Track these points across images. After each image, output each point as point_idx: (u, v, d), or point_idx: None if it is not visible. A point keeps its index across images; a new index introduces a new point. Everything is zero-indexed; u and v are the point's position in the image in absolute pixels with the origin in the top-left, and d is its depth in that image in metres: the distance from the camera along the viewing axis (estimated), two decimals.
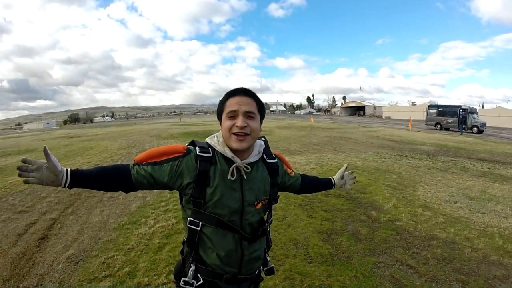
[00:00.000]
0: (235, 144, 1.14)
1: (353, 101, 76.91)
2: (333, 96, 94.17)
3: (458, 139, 15.99)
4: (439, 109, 26.32)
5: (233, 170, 1.15)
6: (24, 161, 1.00)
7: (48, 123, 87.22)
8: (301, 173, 1.59)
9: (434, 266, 3.06)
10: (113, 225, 4.11)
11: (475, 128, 22.87)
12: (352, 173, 1.74)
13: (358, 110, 69.06)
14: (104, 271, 2.92)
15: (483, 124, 23.07)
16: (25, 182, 1.01)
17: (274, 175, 1.29)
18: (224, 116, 1.18)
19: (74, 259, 3.19)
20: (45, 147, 0.99)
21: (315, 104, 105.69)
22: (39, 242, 3.65)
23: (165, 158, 1.15)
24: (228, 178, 1.14)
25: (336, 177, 1.66)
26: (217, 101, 1.27)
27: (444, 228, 4.01)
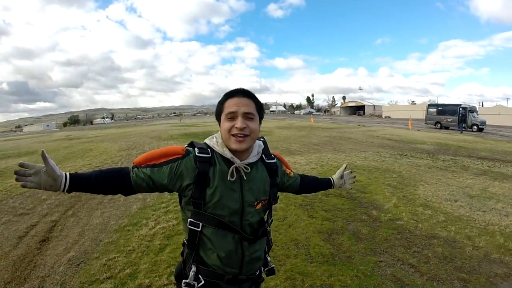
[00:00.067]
0: (234, 145, 1.13)
1: (352, 101, 76.92)
2: (333, 96, 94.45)
3: (458, 138, 15.99)
4: (439, 108, 26.32)
5: (232, 170, 1.15)
6: (21, 165, 0.99)
7: (48, 125, 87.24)
8: (301, 173, 1.59)
9: (435, 264, 3.06)
10: (113, 226, 4.11)
11: (475, 127, 22.84)
12: (351, 172, 1.74)
13: (357, 109, 69.05)
14: (105, 273, 2.92)
15: (483, 123, 23.05)
16: (23, 186, 1.00)
17: (273, 176, 1.29)
18: (223, 117, 1.17)
19: (75, 261, 3.19)
20: (43, 151, 0.98)
21: (314, 104, 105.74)
22: (40, 245, 3.65)
23: (164, 160, 1.14)
24: (228, 179, 1.14)
25: (335, 177, 1.65)
26: (216, 101, 1.27)
27: (445, 226, 4.01)
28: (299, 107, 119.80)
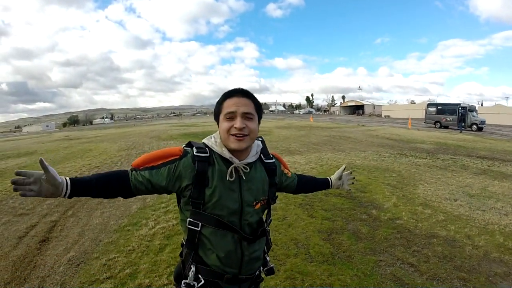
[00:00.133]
0: (233, 144, 1.13)
1: (352, 100, 76.96)
2: (332, 96, 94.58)
3: (457, 137, 16.01)
4: (438, 107, 26.34)
5: (231, 170, 1.14)
6: (18, 173, 0.95)
7: (47, 126, 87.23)
8: (300, 172, 1.59)
9: (435, 264, 3.07)
10: (113, 227, 4.11)
11: (475, 126, 22.87)
12: (351, 173, 1.73)
13: (357, 109, 69.09)
14: (105, 273, 2.92)
15: (483, 122, 23.08)
16: (22, 196, 0.96)
17: (272, 175, 1.29)
18: (221, 117, 1.17)
19: (75, 261, 3.19)
20: (41, 160, 0.94)
21: (314, 104, 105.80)
22: (40, 245, 3.65)
23: (161, 162, 1.14)
24: (227, 179, 1.14)
25: (333, 177, 1.64)
26: (216, 101, 1.27)
27: (444, 226, 4.01)
28: (298, 106, 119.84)
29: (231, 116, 1.14)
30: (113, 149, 12.27)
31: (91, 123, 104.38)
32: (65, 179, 1.02)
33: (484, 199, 5.14)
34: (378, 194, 5.36)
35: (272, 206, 1.33)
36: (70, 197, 1.03)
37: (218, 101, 1.21)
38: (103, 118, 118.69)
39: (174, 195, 1.22)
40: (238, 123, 1.11)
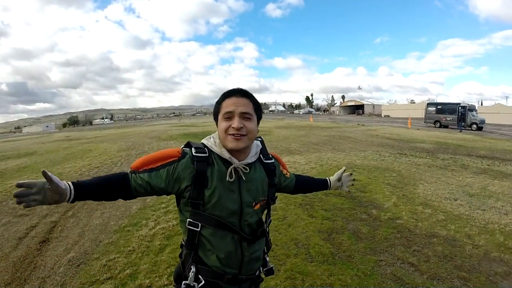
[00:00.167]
0: (231, 144, 1.12)
1: (352, 100, 77.02)
2: (332, 96, 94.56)
3: (457, 137, 16.01)
4: (438, 107, 26.36)
5: (231, 171, 1.14)
6: (19, 185, 0.91)
7: (47, 126, 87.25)
8: (300, 172, 1.59)
9: (435, 263, 3.07)
10: (113, 227, 4.11)
11: (474, 125, 22.89)
12: (351, 174, 1.71)
13: (357, 109, 69.15)
14: (106, 273, 2.92)
15: (482, 121, 23.10)
16: (26, 207, 0.93)
17: (271, 176, 1.29)
18: (220, 117, 1.16)
19: (75, 262, 3.19)
20: (44, 171, 0.92)
21: (314, 104, 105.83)
22: (40, 246, 3.65)
23: (160, 163, 1.13)
24: (227, 179, 1.13)
25: (332, 179, 1.63)
26: (215, 101, 1.27)
27: (444, 225, 4.01)
28: (298, 106, 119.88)
29: (229, 116, 1.13)
30: (113, 150, 12.27)
31: (91, 123, 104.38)
32: (69, 184, 1.00)
33: (484, 198, 5.14)
34: (378, 194, 5.36)
35: (272, 206, 1.33)
36: (73, 201, 1.03)
37: (217, 101, 1.21)
38: (103, 118, 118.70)
39: (174, 196, 1.22)
40: (235, 123, 1.11)
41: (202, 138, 1.25)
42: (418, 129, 21.10)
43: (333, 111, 78.81)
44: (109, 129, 33.47)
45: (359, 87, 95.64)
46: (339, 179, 1.63)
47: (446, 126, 24.82)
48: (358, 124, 26.07)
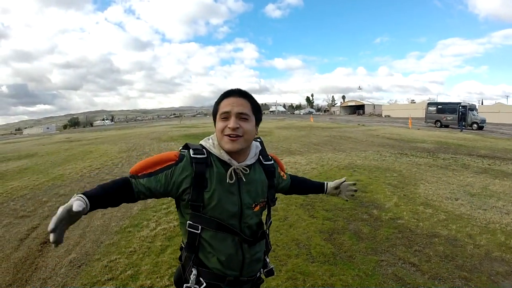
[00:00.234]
0: (226, 145, 1.11)
1: (352, 100, 76.98)
2: (332, 96, 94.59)
3: (458, 136, 15.99)
4: (439, 107, 26.35)
5: (231, 173, 1.13)
6: (53, 230, 0.87)
7: (48, 128, 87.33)
8: (301, 172, 1.58)
9: (436, 263, 3.06)
10: (115, 228, 4.11)
11: (475, 125, 22.88)
12: (354, 184, 1.65)
13: (357, 109, 69.11)
14: (107, 274, 2.93)
15: (483, 121, 23.07)
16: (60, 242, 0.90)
17: (271, 177, 1.28)
18: (217, 117, 1.16)
19: (77, 263, 3.20)
20: (68, 209, 0.90)
21: (314, 104, 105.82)
22: (41, 247, 3.65)
23: (159, 167, 1.12)
24: (227, 181, 1.12)
25: (330, 184, 1.59)
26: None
27: (446, 225, 4.01)
28: (298, 107, 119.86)
29: (226, 116, 1.12)
30: (113, 151, 12.28)
31: (91, 125, 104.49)
32: (85, 200, 0.96)
33: (485, 198, 5.13)
34: (379, 194, 5.35)
35: (273, 207, 1.33)
36: (86, 214, 1.00)
37: (216, 101, 1.20)
38: (103, 120, 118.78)
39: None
40: (231, 123, 1.10)
41: (203, 139, 1.24)
42: (418, 129, 21.09)
43: (334, 111, 78.79)
44: (110, 131, 33.50)
45: (359, 87, 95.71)
46: (337, 187, 1.59)
47: (446, 126, 24.81)
48: (359, 124, 26.06)
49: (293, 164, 8.09)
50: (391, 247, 3.41)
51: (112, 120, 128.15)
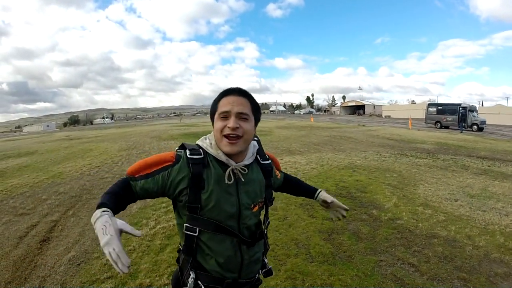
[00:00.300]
0: (225, 148, 1.09)
1: (352, 100, 76.93)
2: (333, 96, 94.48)
3: (458, 137, 16.00)
4: (439, 108, 26.34)
5: (229, 173, 1.11)
6: (130, 265, 0.86)
7: (48, 126, 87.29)
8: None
9: (435, 264, 3.07)
10: None
11: (475, 126, 22.86)
12: (347, 210, 1.51)
13: (357, 109, 69.09)
14: (106, 272, 2.93)
15: (483, 122, 23.06)
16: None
17: (268, 177, 1.26)
18: (216, 116, 1.13)
19: (76, 261, 3.20)
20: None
21: (314, 104, 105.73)
22: (40, 245, 3.65)
23: (155, 169, 1.10)
24: (225, 182, 1.10)
25: (321, 196, 1.49)
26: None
27: (445, 226, 4.01)
28: (299, 107, 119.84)
29: (225, 116, 1.10)
30: (113, 149, 12.28)
31: (91, 123, 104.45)
32: (108, 212, 0.95)
33: (485, 199, 5.14)
34: (378, 194, 5.36)
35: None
36: None
37: (215, 99, 1.18)
38: (103, 118, 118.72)
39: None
40: (231, 122, 1.07)
41: (199, 139, 1.22)
42: (418, 130, 21.10)
43: (334, 112, 78.78)
44: (110, 129, 33.49)
45: (359, 87, 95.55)
46: (326, 202, 1.48)
47: (447, 127, 24.82)
48: (359, 125, 26.06)
49: (293, 164, 8.09)
50: (390, 248, 3.41)
51: (112, 118, 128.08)
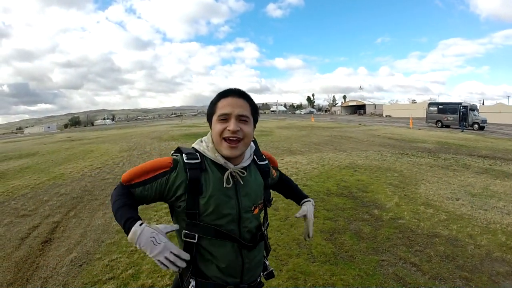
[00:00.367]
0: (226, 151, 1.06)
1: (353, 100, 76.92)
2: (333, 96, 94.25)
3: (459, 136, 15.97)
4: (440, 107, 26.32)
5: (228, 176, 1.08)
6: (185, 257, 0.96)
7: (49, 127, 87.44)
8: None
9: (437, 263, 3.06)
10: (116, 227, 4.11)
11: (476, 125, 22.84)
12: (309, 236, 1.40)
13: (358, 109, 69.07)
14: (108, 273, 2.93)
15: (484, 121, 23.04)
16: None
17: (266, 177, 1.24)
18: (215, 118, 1.09)
19: (78, 262, 3.20)
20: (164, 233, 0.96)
21: (315, 104, 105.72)
22: (42, 246, 3.66)
23: (152, 175, 1.07)
24: (224, 186, 1.07)
25: (304, 205, 1.44)
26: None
27: (446, 225, 4.00)
28: (299, 106, 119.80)
29: (225, 118, 1.06)
30: (114, 150, 12.30)
31: (92, 124, 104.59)
32: (145, 223, 0.99)
33: (486, 198, 5.13)
34: (380, 194, 5.35)
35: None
36: None
37: (212, 101, 1.14)
38: (104, 119, 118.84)
39: None
40: (232, 125, 1.04)
41: (195, 142, 1.20)
42: (419, 129, 21.07)
43: (335, 111, 78.72)
44: (111, 130, 33.52)
45: (360, 87, 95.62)
46: (305, 217, 1.40)
47: (447, 126, 24.78)
48: (360, 124, 26.05)
49: (294, 164, 8.09)
50: (392, 247, 3.41)
51: (113, 119, 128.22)
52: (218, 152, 1.09)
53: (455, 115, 24.08)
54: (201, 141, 1.17)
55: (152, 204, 4.92)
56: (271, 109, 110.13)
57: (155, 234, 0.93)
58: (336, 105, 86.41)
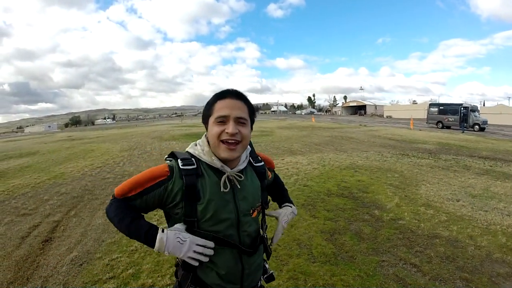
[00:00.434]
0: (224, 154, 1.04)
1: (354, 101, 76.87)
2: (334, 96, 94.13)
3: (459, 137, 15.95)
4: (440, 108, 26.30)
5: (225, 181, 1.06)
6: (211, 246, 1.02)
7: (49, 126, 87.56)
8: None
9: (437, 264, 3.06)
10: None
11: (477, 126, 22.81)
12: (270, 244, 1.29)
13: (359, 109, 69.03)
14: (108, 272, 2.94)
15: (485, 122, 23.01)
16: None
17: (262, 179, 1.22)
18: (212, 120, 1.07)
19: (78, 261, 3.21)
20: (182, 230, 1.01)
21: (316, 104, 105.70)
22: (42, 245, 3.67)
23: (149, 185, 1.04)
24: (222, 190, 1.05)
25: (282, 210, 1.37)
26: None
27: (447, 226, 4.00)
28: (300, 107, 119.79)
29: (222, 120, 1.04)
30: (115, 150, 12.30)
31: (93, 123, 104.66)
32: (160, 228, 1.04)
33: (487, 199, 5.12)
34: (380, 195, 5.35)
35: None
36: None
37: (209, 102, 1.11)
38: (105, 118, 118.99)
39: None
40: (230, 128, 1.02)
41: (190, 146, 1.17)
42: (420, 130, 21.06)
43: (335, 112, 78.71)
44: (111, 129, 33.54)
45: (361, 87, 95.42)
46: (276, 219, 1.34)
47: (448, 127, 24.77)
48: (360, 125, 26.04)
49: (294, 164, 8.09)
50: (392, 248, 3.41)
51: (113, 119, 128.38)
52: (215, 155, 1.07)
53: (456, 116, 24.07)
54: (196, 145, 1.14)
55: None
56: (272, 109, 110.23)
57: (178, 233, 0.97)
58: (337, 106, 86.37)
